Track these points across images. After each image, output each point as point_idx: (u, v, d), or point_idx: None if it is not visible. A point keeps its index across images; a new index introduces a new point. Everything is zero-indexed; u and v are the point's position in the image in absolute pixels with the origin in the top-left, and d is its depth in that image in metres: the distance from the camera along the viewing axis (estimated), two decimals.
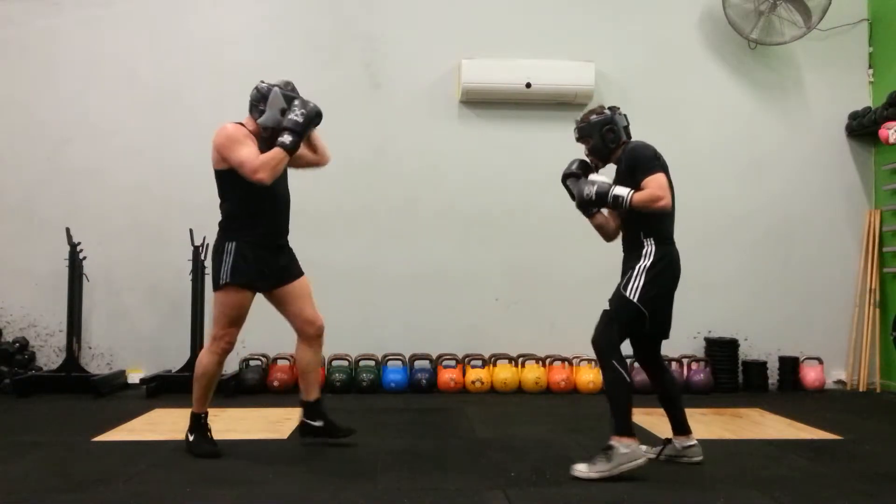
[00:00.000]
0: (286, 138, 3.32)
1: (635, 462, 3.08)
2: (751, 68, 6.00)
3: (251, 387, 5.29)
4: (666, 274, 3.30)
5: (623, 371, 3.12)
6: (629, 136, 3.68)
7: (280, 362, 5.49)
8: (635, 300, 3.24)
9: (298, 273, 3.64)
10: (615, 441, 3.09)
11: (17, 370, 5.34)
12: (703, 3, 5.97)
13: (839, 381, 5.85)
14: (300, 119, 3.37)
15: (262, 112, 3.43)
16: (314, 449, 3.61)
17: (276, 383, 5.33)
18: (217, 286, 3.42)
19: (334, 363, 5.47)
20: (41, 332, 5.63)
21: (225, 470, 3.21)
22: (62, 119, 5.70)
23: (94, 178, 5.69)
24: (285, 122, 3.34)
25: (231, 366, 5.60)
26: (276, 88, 3.49)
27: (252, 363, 5.47)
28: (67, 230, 5.30)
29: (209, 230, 5.44)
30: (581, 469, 3.10)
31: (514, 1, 5.94)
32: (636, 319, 3.23)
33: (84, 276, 5.37)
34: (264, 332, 5.64)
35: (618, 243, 5.57)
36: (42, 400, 4.97)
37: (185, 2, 5.83)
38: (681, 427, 3.39)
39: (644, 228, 3.38)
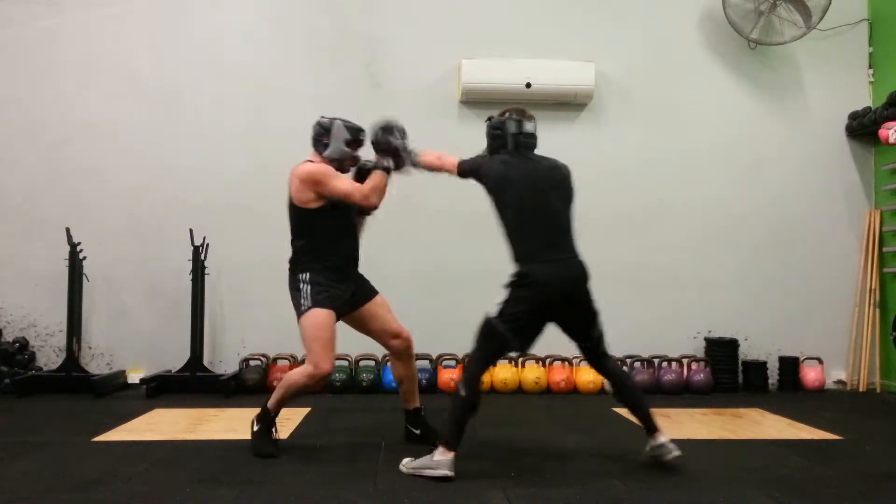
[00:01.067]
0: (387, 162, 3.52)
1: (439, 472, 3.04)
2: (751, 68, 6.00)
3: (251, 387, 5.28)
4: (523, 295, 3.19)
5: (467, 385, 3.17)
6: (518, 147, 3.41)
7: (280, 362, 5.49)
8: (493, 318, 3.21)
9: (373, 292, 3.71)
10: (440, 445, 3.09)
11: (17, 370, 5.34)
12: (703, 3, 5.97)
13: (839, 381, 5.85)
14: (400, 141, 3.55)
15: (327, 145, 3.62)
16: (314, 449, 3.61)
17: (276, 383, 5.29)
18: (300, 313, 3.47)
19: (334, 363, 5.46)
20: (41, 332, 5.63)
21: (225, 470, 3.21)
22: (62, 119, 5.70)
23: (94, 178, 5.69)
24: (386, 145, 3.51)
25: (231, 366, 5.62)
26: (338, 121, 3.67)
27: (252, 363, 5.47)
28: (67, 230, 5.30)
29: (209, 230, 5.50)
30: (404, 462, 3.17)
31: (514, 1, 5.94)
32: (496, 337, 3.20)
33: (84, 276, 5.37)
34: (264, 332, 5.68)
35: (621, 242, 5.58)
36: (42, 400, 4.97)
37: (185, 2, 5.83)
38: (647, 427, 3.30)
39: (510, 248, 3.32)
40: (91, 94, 5.72)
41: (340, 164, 3.59)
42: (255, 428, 3.52)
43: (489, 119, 3.52)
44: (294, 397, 3.53)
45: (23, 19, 5.72)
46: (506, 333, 3.17)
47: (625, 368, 5.51)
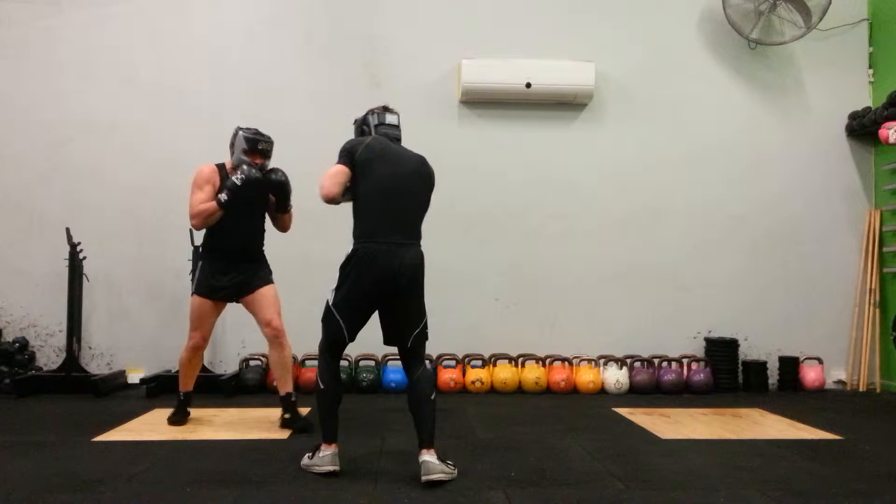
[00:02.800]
0: (222, 195, 3.90)
1: (323, 469, 3.09)
2: (751, 68, 6.00)
3: (251, 387, 5.28)
4: (352, 274, 3.16)
5: (321, 377, 3.19)
6: (380, 136, 3.49)
7: None
8: (329, 302, 3.27)
9: (262, 282, 4.21)
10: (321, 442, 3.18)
11: (17, 370, 5.35)
12: (703, 3, 5.98)
13: (839, 381, 5.85)
14: (238, 182, 3.88)
15: (233, 153, 4.10)
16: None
17: (275, 383, 5.30)
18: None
19: None
20: (41, 332, 5.63)
21: (225, 470, 3.21)
22: (62, 118, 5.70)
23: (94, 177, 5.69)
24: (228, 182, 3.90)
25: (231, 366, 5.62)
26: (240, 131, 4.09)
27: (252, 363, 5.47)
28: (67, 230, 5.30)
29: None
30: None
31: (514, 1, 5.94)
32: (330, 321, 3.25)
33: (84, 276, 5.38)
34: None
35: (621, 242, 5.58)
36: (42, 400, 4.97)
37: (185, 2, 5.83)
38: (419, 440, 3.11)
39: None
40: (91, 93, 5.73)
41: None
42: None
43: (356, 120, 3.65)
44: (184, 370, 4.17)
45: (23, 19, 5.73)
46: (336, 316, 3.21)
47: (623, 368, 5.51)
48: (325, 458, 3.12)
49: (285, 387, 4.10)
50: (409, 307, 3.20)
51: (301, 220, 5.78)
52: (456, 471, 3.09)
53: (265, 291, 4.16)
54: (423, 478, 2.97)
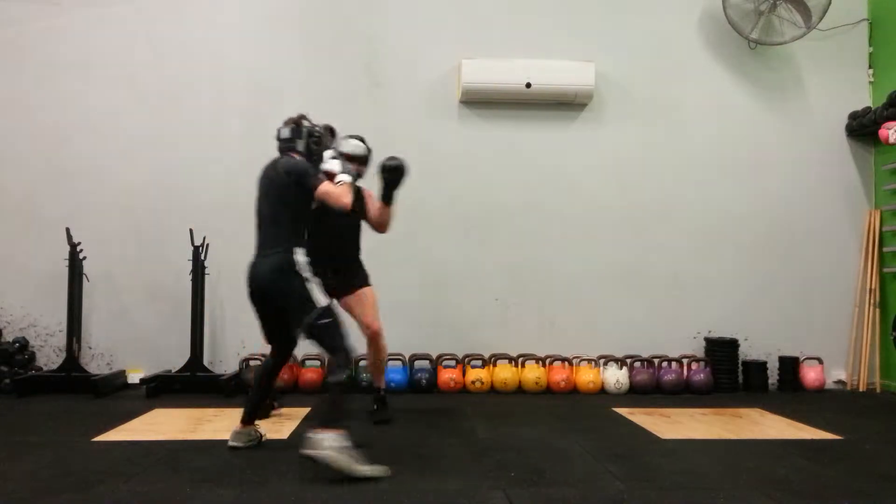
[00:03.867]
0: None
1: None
2: (751, 68, 6.00)
3: (251, 387, 5.27)
4: None
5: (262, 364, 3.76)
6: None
7: None
8: None
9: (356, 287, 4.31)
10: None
11: (17, 370, 5.34)
12: (703, 3, 5.97)
13: (839, 381, 5.85)
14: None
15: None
16: None
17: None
18: None
19: None
20: (41, 332, 5.63)
21: (225, 470, 3.21)
22: (62, 119, 5.70)
23: (94, 178, 5.69)
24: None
25: (231, 366, 5.62)
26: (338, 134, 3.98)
27: (252, 363, 5.46)
28: (67, 230, 5.30)
29: (209, 230, 5.50)
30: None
31: (514, 1, 5.94)
32: None
33: (84, 276, 5.37)
34: None
35: (621, 242, 5.59)
36: (42, 400, 4.97)
37: (185, 2, 5.83)
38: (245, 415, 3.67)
39: None
40: (91, 93, 5.72)
41: None
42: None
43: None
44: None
45: (23, 19, 5.72)
46: None
47: (623, 368, 5.51)
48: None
49: (377, 383, 4.46)
50: (274, 311, 3.47)
51: None
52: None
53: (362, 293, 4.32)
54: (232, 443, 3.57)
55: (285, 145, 3.57)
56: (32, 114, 5.70)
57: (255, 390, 3.71)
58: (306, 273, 3.35)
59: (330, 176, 3.55)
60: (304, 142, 3.56)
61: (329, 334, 3.29)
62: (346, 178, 3.50)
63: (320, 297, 3.32)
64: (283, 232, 3.40)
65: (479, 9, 5.90)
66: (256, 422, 3.70)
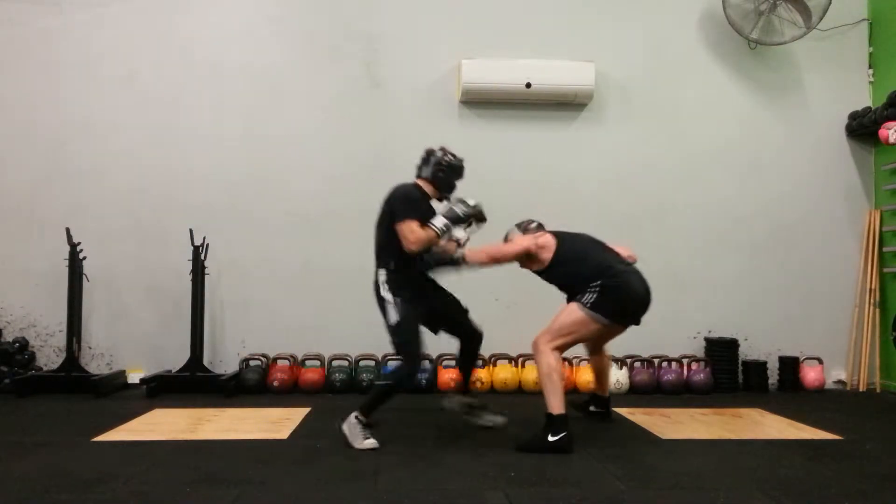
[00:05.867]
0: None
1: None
2: (751, 68, 6.00)
3: (251, 387, 5.28)
4: None
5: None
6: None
7: (280, 362, 5.49)
8: None
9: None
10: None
11: (17, 370, 5.35)
12: (703, 3, 5.97)
13: (839, 381, 5.85)
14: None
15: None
16: (314, 449, 3.61)
17: (276, 383, 5.33)
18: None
19: (334, 363, 5.47)
20: (41, 332, 5.63)
21: (225, 470, 3.22)
22: (62, 119, 5.70)
23: (94, 178, 5.69)
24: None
25: (231, 366, 5.62)
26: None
27: (252, 363, 5.46)
28: (67, 230, 5.30)
29: (209, 230, 5.50)
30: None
31: (514, 1, 5.94)
32: None
33: (84, 276, 5.37)
34: (264, 332, 5.68)
35: (621, 242, 5.59)
36: (42, 400, 4.97)
37: (185, 2, 5.83)
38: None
39: None
40: (91, 94, 5.72)
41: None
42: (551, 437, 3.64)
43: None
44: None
45: (23, 19, 5.72)
46: None
47: (623, 368, 5.52)
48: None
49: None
50: (427, 311, 3.94)
51: (300, 224, 5.81)
52: None
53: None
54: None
55: (417, 171, 3.98)
56: (32, 114, 5.70)
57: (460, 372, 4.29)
58: (385, 291, 3.77)
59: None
60: (430, 169, 3.93)
61: (397, 348, 3.82)
62: (435, 229, 3.74)
63: (392, 314, 3.72)
64: (376, 253, 3.91)
65: (479, 9, 5.89)
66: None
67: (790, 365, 5.72)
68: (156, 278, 5.66)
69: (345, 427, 3.69)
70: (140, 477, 3.10)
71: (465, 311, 4.11)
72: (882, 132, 5.40)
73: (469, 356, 4.16)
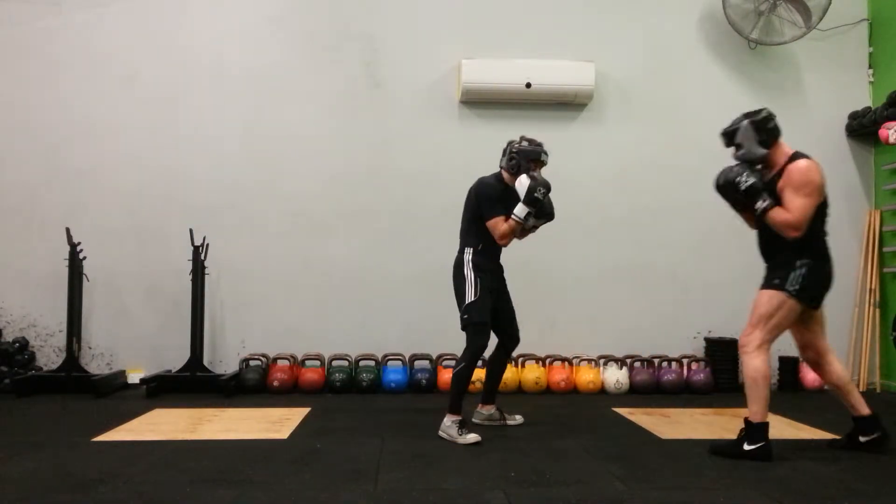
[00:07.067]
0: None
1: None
2: (751, 68, 6.00)
3: (251, 387, 5.28)
4: None
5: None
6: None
7: (280, 362, 5.49)
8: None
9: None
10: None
11: (17, 370, 5.35)
12: (703, 3, 5.97)
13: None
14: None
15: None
16: (314, 449, 3.61)
17: (276, 383, 5.33)
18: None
19: (334, 363, 5.48)
20: (41, 332, 5.63)
21: (225, 470, 3.21)
22: (62, 119, 5.70)
23: (94, 178, 5.69)
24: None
25: (231, 366, 5.62)
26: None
27: (252, 363, 5.47)
28: (67, 230, 5.30)
29: (209, 230, 5.50)
30: None
31: (514, 1, 5.94)
32: None
33: (84, 276, 5.38)
34: (264, 332, 5.68)
35: (621, 242, 5.57)
36: (42, 400, 4.97)
37: (185, 2, 5.83)
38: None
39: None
40: (91, 94, 5.72)
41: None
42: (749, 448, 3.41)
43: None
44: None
45: (23, 19, 5.73)
46: None
47: (623, 368, 5.52)
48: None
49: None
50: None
51: (300, 224, 5.81)
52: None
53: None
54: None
55: (500, 163, 4.07)
56: (32, 114, 5.70)
57: (487, 376, 4.28)
58: (468, 269, 3.97)
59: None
60: (506, 158, 4.03)
61: (468, 333, 3.90)
62: (517, 218, 3.84)
63: (470, 292, 3.89)
64: (462, 234, 4.10)
65: (479, 9, 5.90)
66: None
67: (790, 365, 5.71)
68: (156, 278, 5.66)
69: (441, 433, 3.80)
70: (140, 477, 3.10)
71: (515, 318, 4.22)
72: (882, 132, 5.40)
73: (502, 362, 4.25)
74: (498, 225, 3.87)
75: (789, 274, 3.52)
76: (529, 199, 3.80)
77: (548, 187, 3.86)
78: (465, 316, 3.89)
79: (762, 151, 3.68)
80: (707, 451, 3.52)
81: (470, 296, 3.89)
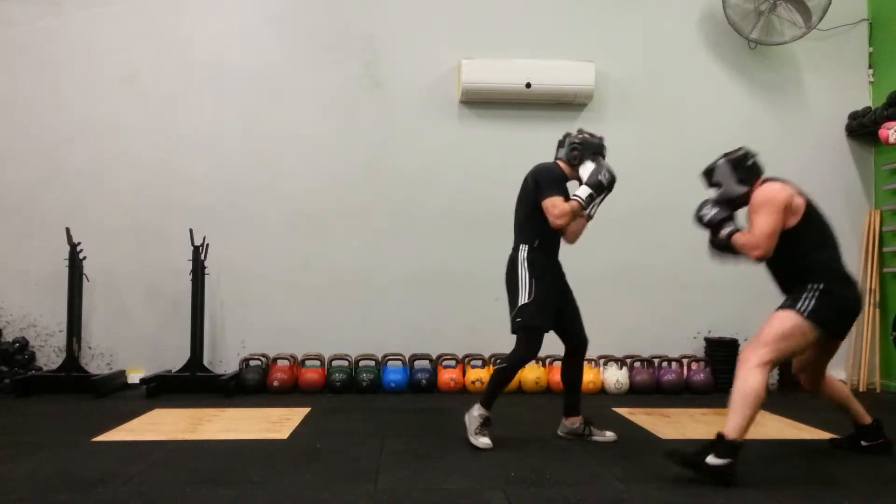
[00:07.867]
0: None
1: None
2: (751, 68, 6.00)
3: (251, 387, 5.28)
4: None
5: None
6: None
7: (280, 362, 5.49)
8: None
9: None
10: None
11: (17, 370, 5.35)
12: (703, 3, 5.98)
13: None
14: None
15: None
16: (314, 449, 3.61)
17: (275, 383, 5.33)
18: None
19: (334, 363, 5.48)
20: (41, 332, 5.63)
21: (225, 470, 3.21)
22: (62, 119, 5.70)
23: (93, 178, 5.69)
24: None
25: (231, 366, 5.63)
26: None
27: (252, 363, 5.47)
28: (67, 230, 5.30)
29: (209, 230, 5.50)
30: None
31: (514, 1, 5.94)
32: None
33: (84, 276, 5.38)
34: (264, 332, 5.68)
35: (621, 242, 5.57)
36: (42, 400, 4.97)
37: (185, 2, 5.83)
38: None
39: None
40: (91, 94, 5.72)
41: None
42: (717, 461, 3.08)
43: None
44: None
45: (23, 19, 5.73)
46: None
47: (623, 368, 5.52)
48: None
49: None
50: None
51: (300, 224, 5.81)
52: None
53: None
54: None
55: (555, 152, 3.90)
56: (32, 114, 5.70)
57: (565, 390, 3.93)
58: (522, 269, 3.68)
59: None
60: (566, 149, 3.84)
61: (517, 333, 3.66)
62: (579, 200, 3.71)
63: (524, 293, 3.62)
64: (516, 230, 3.84)
65: (479, 9, 5.90)
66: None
67: (790, 365, 5.68)
68: (156, 278, 5.66)
69: (466, 417, 3.70)
70: (140, 477, 3.10)
71: (580, 318, 3.93)
72: (882, 132, 5.40)
73: (576, 367, 3.90)
74: (557, 203, 3.60)
75: (801, 295, 3.29)
76: (594, 182, 3.69)
77: (614, 176, 3.81)
78: (518, 319, 3.61)
79: (741, 189, 3.58)
80: (662, 453, 3.22)
81: (524, 297, 3.62)
